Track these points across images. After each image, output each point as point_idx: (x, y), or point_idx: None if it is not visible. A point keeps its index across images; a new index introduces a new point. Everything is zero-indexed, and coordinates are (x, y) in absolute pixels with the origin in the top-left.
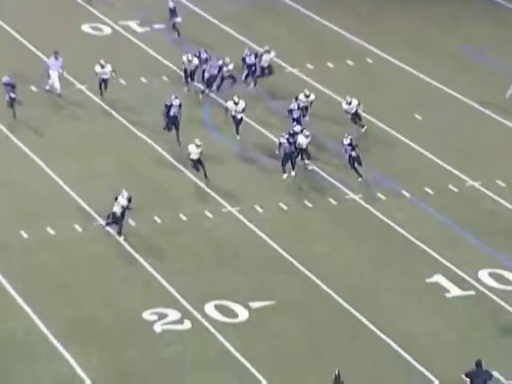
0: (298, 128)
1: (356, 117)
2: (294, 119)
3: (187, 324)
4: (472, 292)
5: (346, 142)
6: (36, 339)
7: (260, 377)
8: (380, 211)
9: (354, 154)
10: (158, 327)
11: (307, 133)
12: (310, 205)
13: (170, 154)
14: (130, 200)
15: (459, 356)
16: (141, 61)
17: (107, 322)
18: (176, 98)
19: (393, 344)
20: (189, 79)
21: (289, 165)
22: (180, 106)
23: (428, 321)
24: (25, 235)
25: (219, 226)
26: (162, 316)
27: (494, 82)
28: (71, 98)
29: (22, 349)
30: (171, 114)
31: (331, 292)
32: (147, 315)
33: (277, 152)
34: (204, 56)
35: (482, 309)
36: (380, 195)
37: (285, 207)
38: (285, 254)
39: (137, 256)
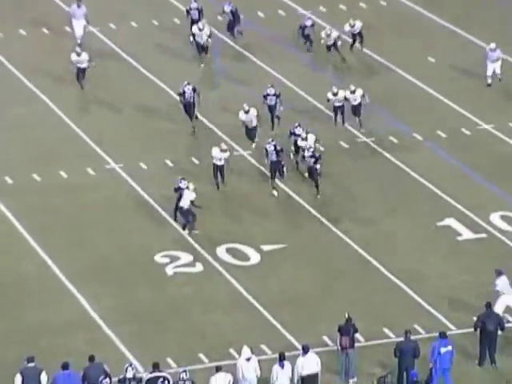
0: (298, 130)
1: (358, 109)
2: (268, 106)
3: (199, 267)
4: (483, 235)
5: (308, 153)
6: (48, 281)
7: (271, 319)
8: (392, 154)
9: (317, 166)
10: (169, 270)
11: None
12: (321, 148)
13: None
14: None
15: (469, 299)
16: (151, 4)
17: (119, 264)
18: (188, 83)
19: (403, 286)
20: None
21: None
22: (194, 90)
23: (439, 263)
24: (38, 178)
25: (230, 171)
26: (174, 259)
27: (510, 25)
28: (82, 41)
29: (34, 290)
30: (185, 100)
31: (342, 235)
32: (159, 258)
33: (266, 162)
34: (229, 9)
35: (494, 252)
36: (392, 138)
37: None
38: (296, 198)
39: (149, 199)
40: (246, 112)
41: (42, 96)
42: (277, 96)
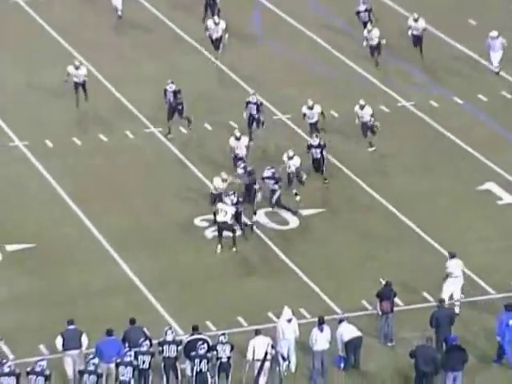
0: (315, 140)
1: (366, 127)
2: (249, 115)
3: (237, 230)
4: None
5: (267, 173)
6: (88, 244)
7: (310, 283)
8: (432, 118)
9: (276, 187)
10: (209, 233)
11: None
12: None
13: (225, 64)
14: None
15: (510, 263)
16: None
17: (159, 227)
18: (172, 82)
19: (443, 250)
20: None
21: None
22: (175, 92)
23: (479, 228)
24: (78, 142)
25: (270, 135)
26: (213, 222)
27: None
28: (123, 13)
29: (74, 253)
30: (166, 99)
31: (381, 198)
32: (198, 221)
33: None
34: None
35: None
36: (432, 102)
37: (336, 114)
38: (335, 161)
39: (188, 163)
40: (237, 139)
41: (82, 60)
42: (258, 105)
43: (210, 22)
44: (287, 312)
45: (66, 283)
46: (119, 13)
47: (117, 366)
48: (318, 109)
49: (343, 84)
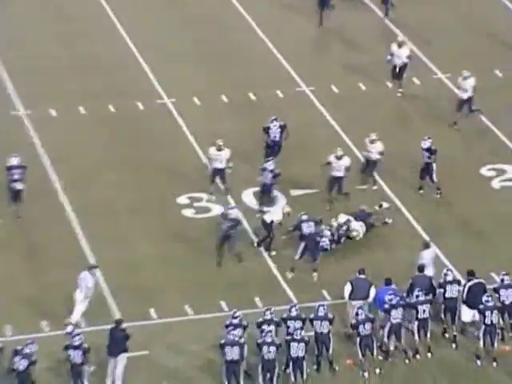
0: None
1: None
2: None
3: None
4: None
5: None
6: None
7: None
8: None
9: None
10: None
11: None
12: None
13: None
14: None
15: None
16: None
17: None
18: (275, 119)
19: None
20: None
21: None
22: (282, 127)
23: None
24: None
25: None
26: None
27: None
28: None
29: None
30: (269, 139)
31: None
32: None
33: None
34: None
35: None
36: None
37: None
38: None
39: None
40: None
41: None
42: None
43: (393, 47)
44: None
45: None
46: None
47: (388, 310)
48: (347, 161)
49: None
